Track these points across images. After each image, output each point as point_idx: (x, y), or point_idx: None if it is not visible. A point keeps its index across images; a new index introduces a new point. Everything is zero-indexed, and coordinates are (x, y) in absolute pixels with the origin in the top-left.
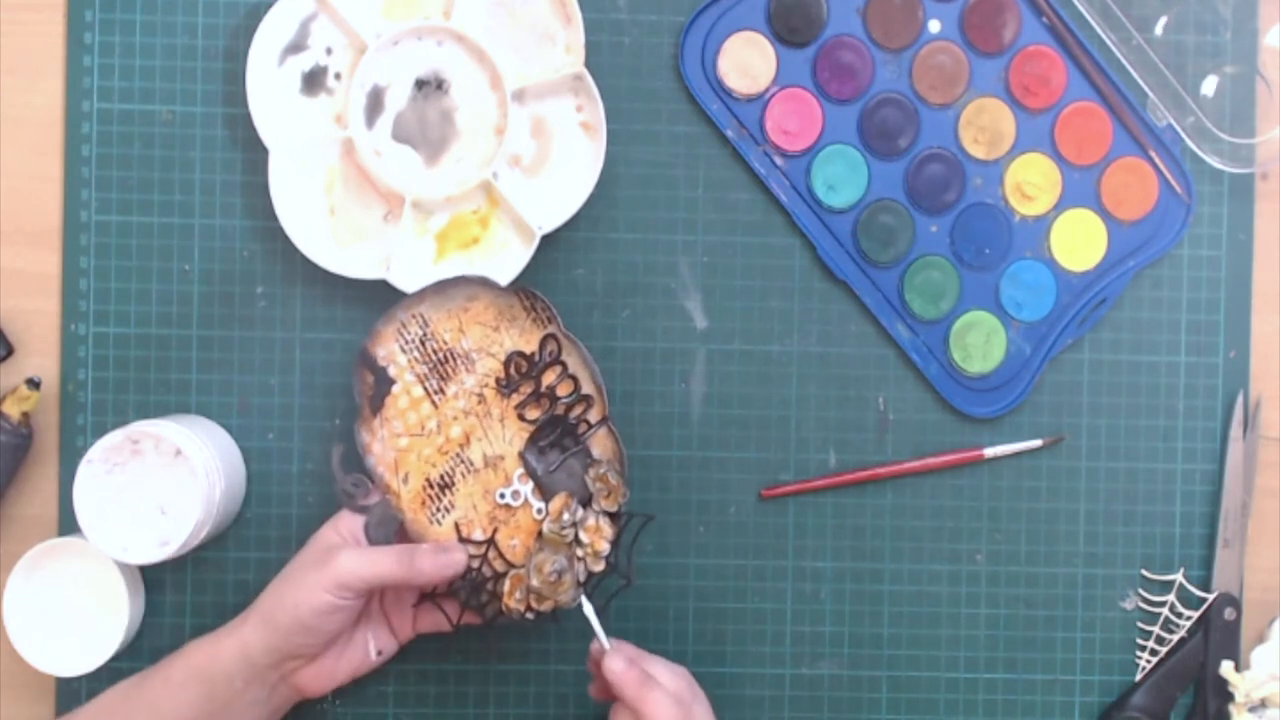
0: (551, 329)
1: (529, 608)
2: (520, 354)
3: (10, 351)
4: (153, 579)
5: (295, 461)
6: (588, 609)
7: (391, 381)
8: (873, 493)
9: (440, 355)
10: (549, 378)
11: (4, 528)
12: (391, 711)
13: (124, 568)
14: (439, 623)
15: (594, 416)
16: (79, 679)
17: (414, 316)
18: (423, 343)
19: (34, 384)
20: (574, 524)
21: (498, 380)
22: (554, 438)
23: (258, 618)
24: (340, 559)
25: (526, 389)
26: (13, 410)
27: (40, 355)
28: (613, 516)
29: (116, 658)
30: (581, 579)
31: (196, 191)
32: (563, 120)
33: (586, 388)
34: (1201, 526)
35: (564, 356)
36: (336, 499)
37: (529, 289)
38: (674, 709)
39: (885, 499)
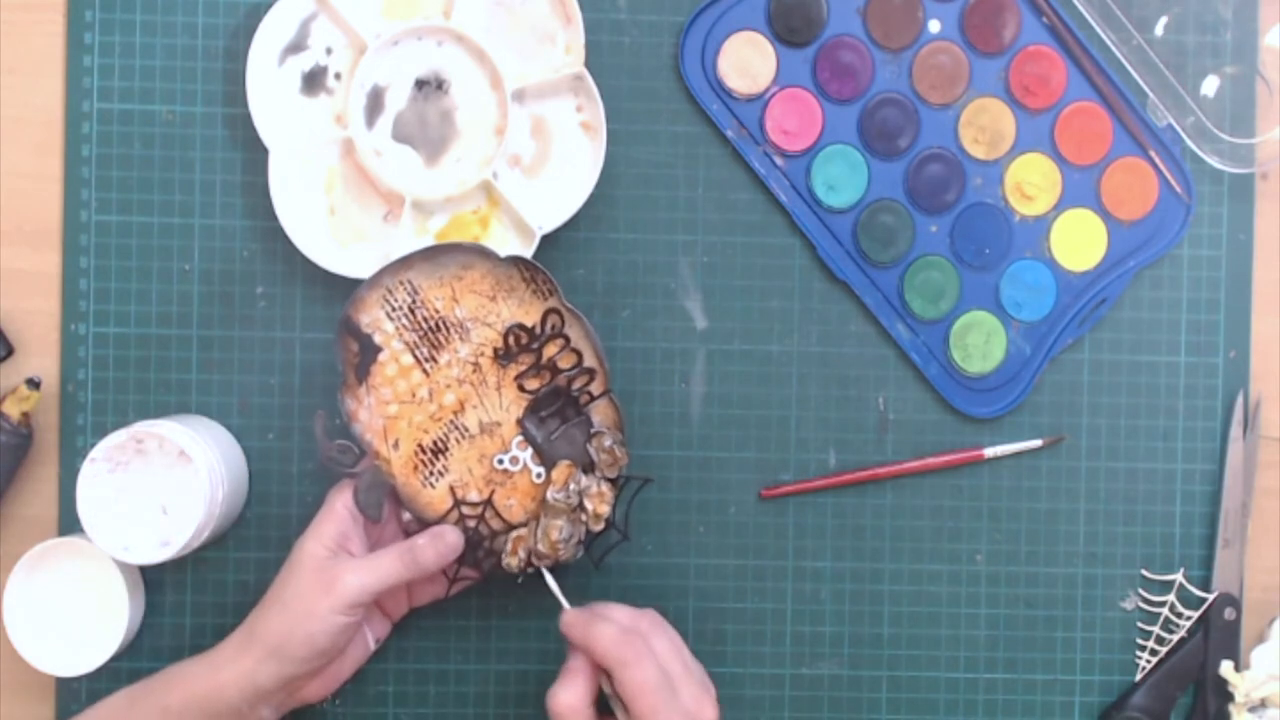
0: (553, 302)
1: (529, 564)
2: (520, 326)
3: (10, 351)
4: (153, 579)
5: (295, 461)
6: (549, 579)
7: (378, 349)
8: (873, 493)
9: (431, 323)
10: (550, 350)
11: (4, 528)
12: (391, 711)
13: (124, 568)
14: (435, 593)
15: (596, 389)
16: (79, 679)
17: (401, 283)
18: (411, 310)
19: (34, 384)
20: (579, 492)
21: (495, 350)
22: (555, 408)
23: (264, 652)
24: (346, 579)
25: (526, 360)
26: (13, 410)
27: (40, 355)
28: (613, 481)
29: (116, 658)
30: (582, 538)
31: (196, 191)
32: (563, 120)
33: (589, 361)
34: (1201, 526)
35: (567, 329)
36: (320, 465)
37: (528, 260)
38: (618, 634)
39: (885, 499)
